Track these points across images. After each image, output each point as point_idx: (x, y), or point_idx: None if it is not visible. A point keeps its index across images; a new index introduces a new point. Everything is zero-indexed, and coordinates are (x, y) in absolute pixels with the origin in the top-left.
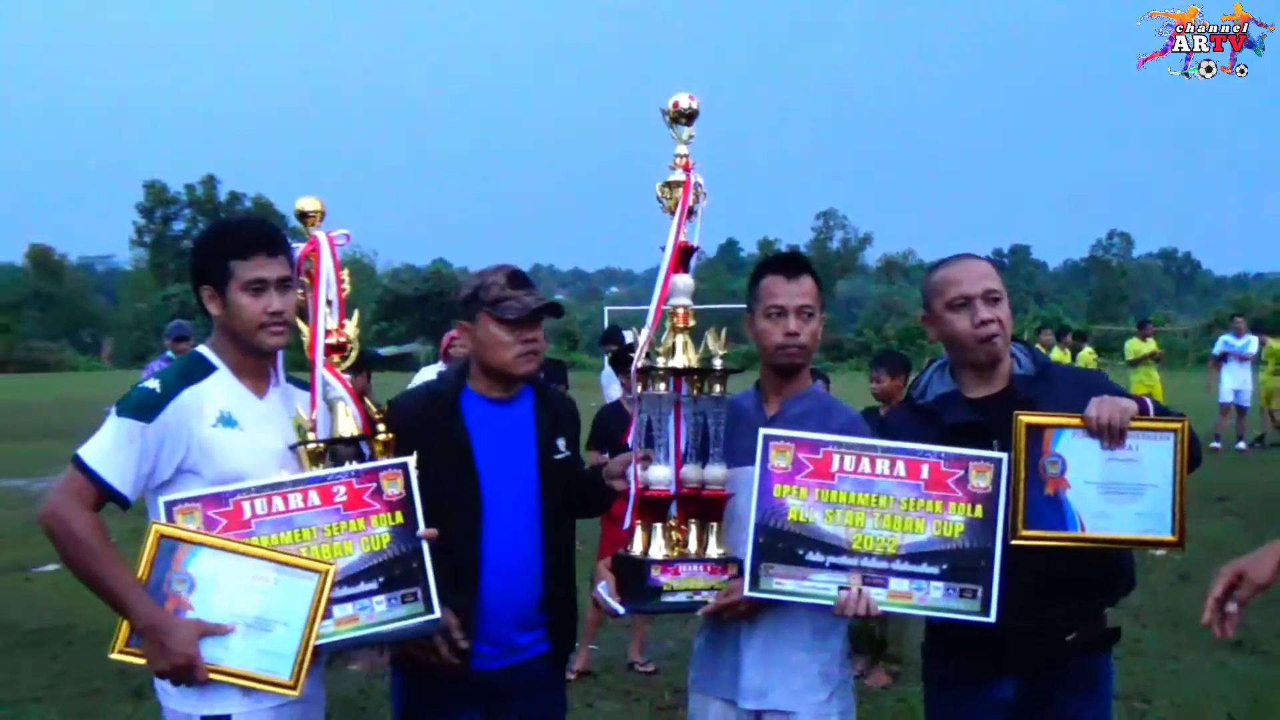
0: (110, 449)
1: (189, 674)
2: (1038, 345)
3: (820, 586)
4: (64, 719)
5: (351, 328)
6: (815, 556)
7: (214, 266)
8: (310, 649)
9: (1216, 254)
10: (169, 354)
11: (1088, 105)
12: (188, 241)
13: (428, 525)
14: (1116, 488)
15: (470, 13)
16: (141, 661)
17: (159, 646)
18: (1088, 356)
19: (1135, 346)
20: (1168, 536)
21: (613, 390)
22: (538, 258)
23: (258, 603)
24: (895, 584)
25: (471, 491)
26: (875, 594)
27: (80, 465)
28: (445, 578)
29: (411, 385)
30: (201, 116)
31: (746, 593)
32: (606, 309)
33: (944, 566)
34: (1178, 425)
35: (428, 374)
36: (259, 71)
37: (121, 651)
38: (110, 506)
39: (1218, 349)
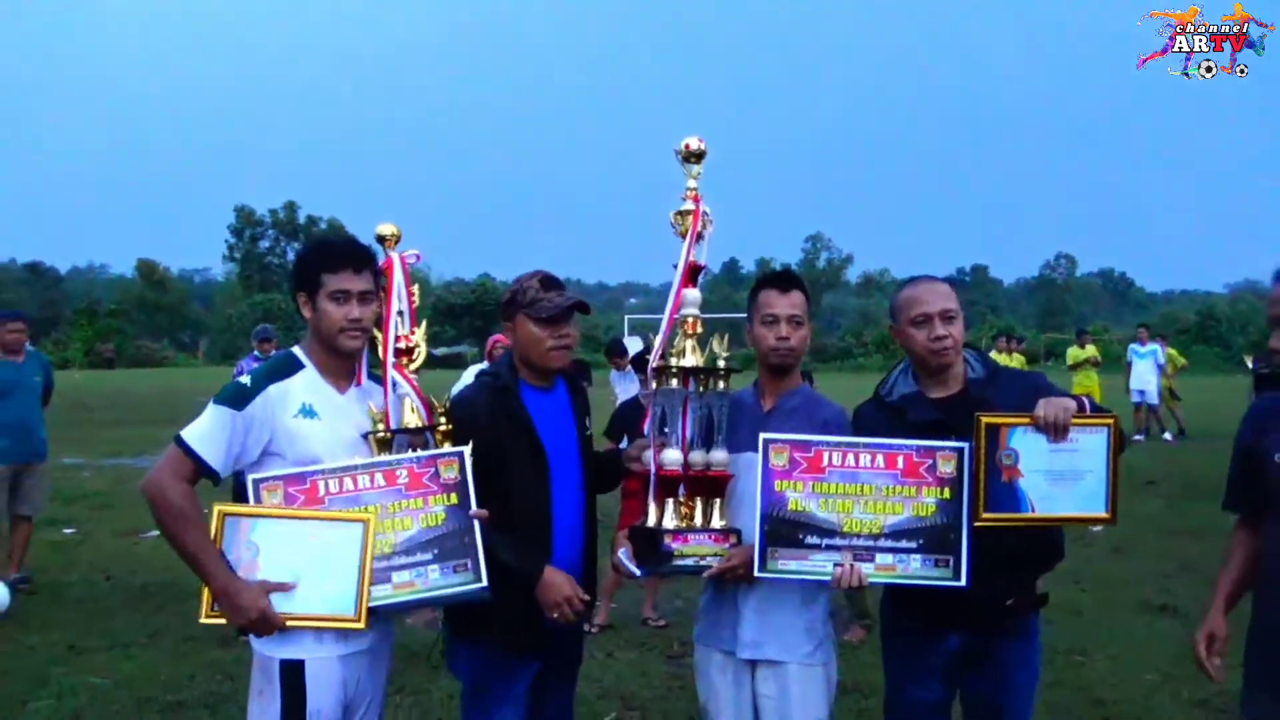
0: (206, 431)
1: (262, 627)
2: (994, 350)
3: (818, 565)
4: (166, 660)
5: (420, 335)
6: (813, 540)
7: (308, 276)
8: (367, 586)
9: (1148, 273)
10: (255, 353)
11: (1042, 143)
12: (271, 257)
13: (501, 498)
14: (1060, 474)
15: (509, 65)
16: (224, 621)
17: (233, 606)
18: (1019, 360)
19: (1074, 353)
20: (1104, 514)
21: (622, 390)
22: (567, 271)
23: (315, 556)
24: (881, 559)
25: (541, 468)
26: (865, 568)
27: (180, 444)
28: (522, 543)
29: (461, 381)
30: (284, 150)
31: (756, 573)
32: (627, 317)
33: (921, 541)
34: (1110, 420)
35: (474, 371)
36: (332, 110)
37: (207, 616)
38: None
39: (1128, 356)
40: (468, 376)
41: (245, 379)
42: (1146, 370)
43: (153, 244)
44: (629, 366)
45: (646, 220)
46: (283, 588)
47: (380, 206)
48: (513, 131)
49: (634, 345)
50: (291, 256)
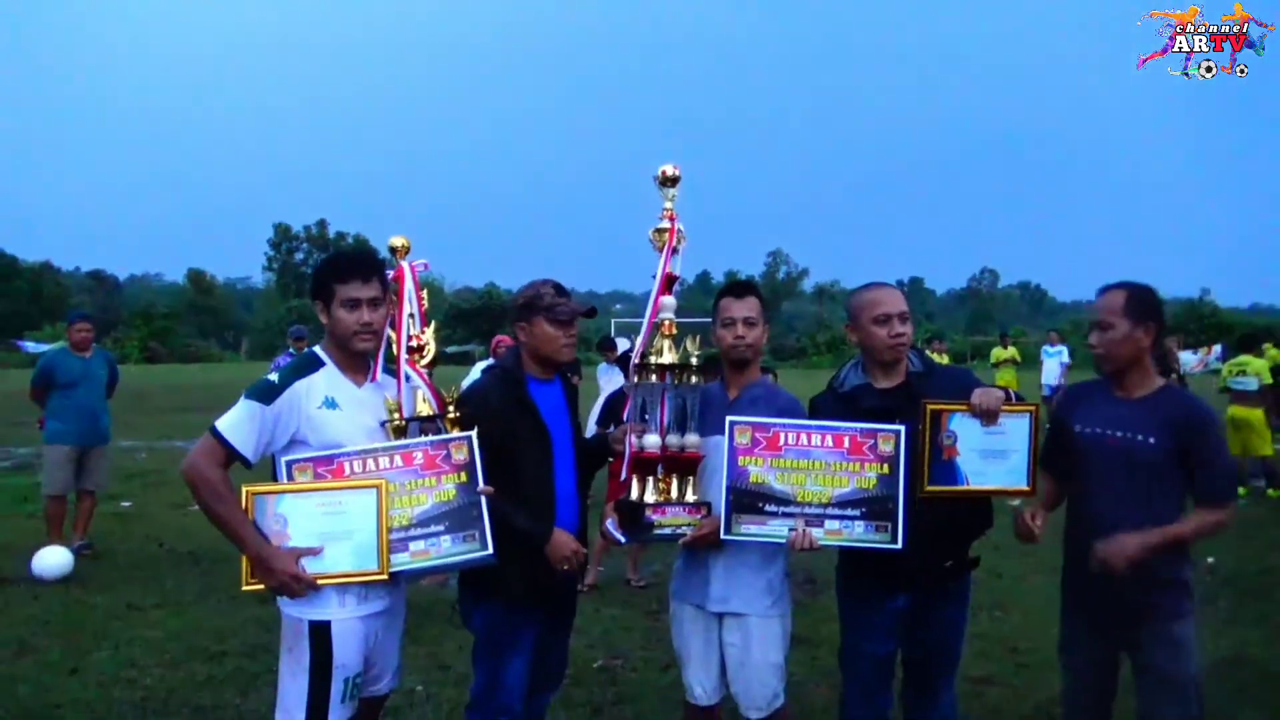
0: (237, 422)
1: (294, 588)
2: (928, 350)
3: (776, 529)
4: (212, 616)
5: (429, 334)
6: (771, 508)
7: (323, 286)
8: (386, 543)
9: (1060, 284)
10: (290, 350)
11: (971, 169)
12: (305, 268)
13: (510, 477)
14: (991, 453)
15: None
16: (262, 587)
17: (267, 570)
18: (947, 359)
19: (997, 353)
20: (1025, 487)
21: (605, 381)
22: (561, 279)
23: (337, 521)
24: (829, 524)
25: (545, 447)
26: (815, 532)
27: (214, 433)
28: (528, 511)
29: (470, 375)
30: (316, 172)
31: (723, 536)
32: (613, 320)
33: (864, 510)
34: (1032, 408)
35: (481, 367)
36: (358, 135)
37: (248, 583)
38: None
39: (1041, 356)
40: (475, 372)
41: (274, 376)
42: (1055, 367)
43: (202, 255)
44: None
45: (631, 235)
46: (311, 552)
47: (399, 222)
48: (514, 151)
49: (622, 345)
50: None
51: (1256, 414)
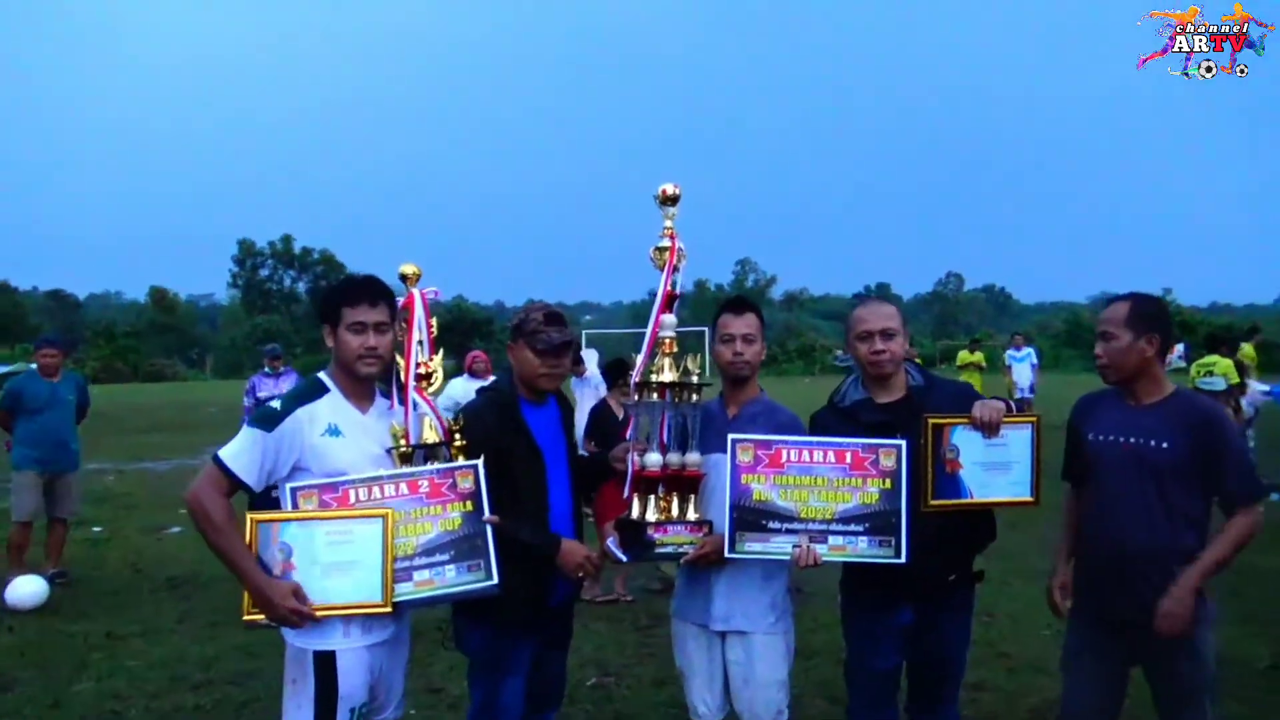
0: (239, 450)
1: (294, 622)
2: None
3: (780, 546)
4: (195, 643)
5: (437, 361)
6: (774, 525)
7: (331, 310)
8: (391, 575)
9: (1024, 287)
10: (265, 369)
11: (935, 176)
12: (270, 284)
13: (508, 497)
14: (993, 465)
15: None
16: (263, 619)
17: (267, 604)
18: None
19: (963, 356)
20: (1029, 498)
21: (579, 393)
22: (531, 292)
23: (342, 550)
24: (833, 540)
25: (539, 468)
26: (819, 548)
27: (217, 462)
28: (532, 526)
29: (446, 392)
30: (281, 188)
31: (726, 554)
32: (584, 332)
33: (867, 525)
34: (1034, 419)
35: (455, 383)
36: (322, 152)
37: (248, 614)
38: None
39: (1006, 359)
40: (453, 388)
41: (276, 403)
42: (1027, 371)
43: (163, 272)
44: (586, 373)
45: (600, 248)
46: (307, 599)
47: (365, 238)
48: (483, 164)
49: (590, 356)
50: (288, 283)
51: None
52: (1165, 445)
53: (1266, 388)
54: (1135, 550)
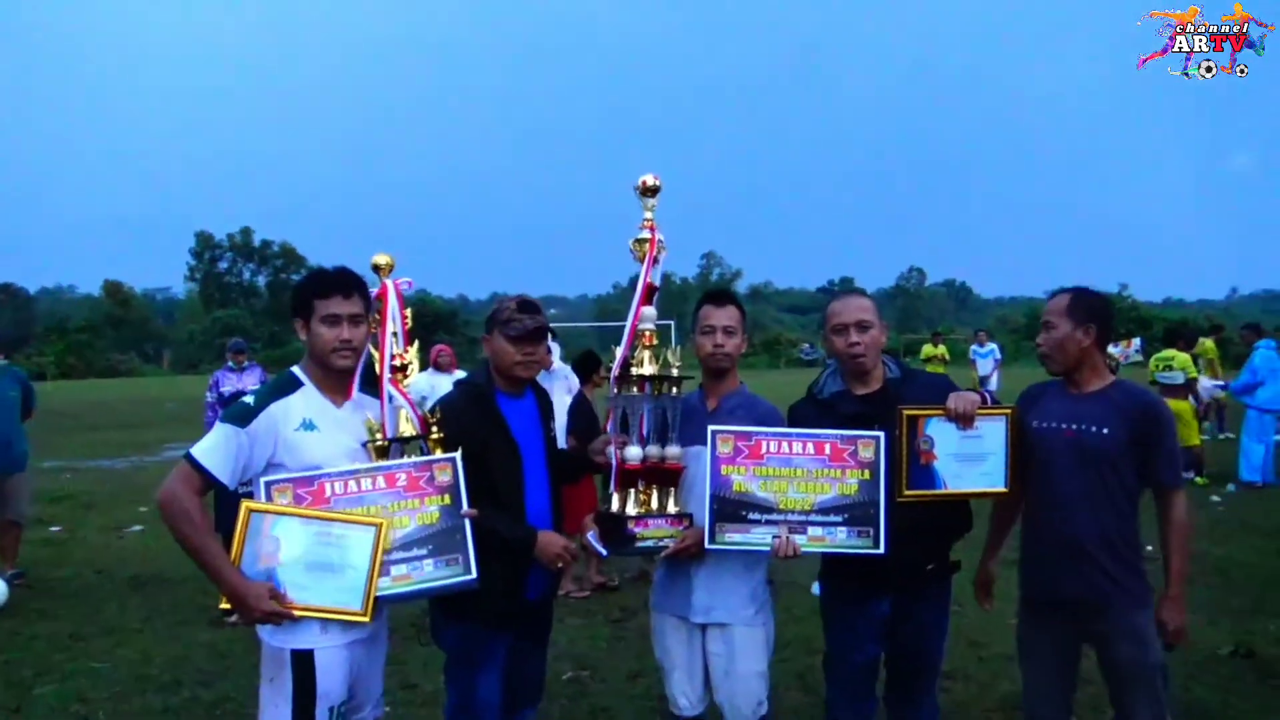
0: (212, 447)
1: (270, 620)
2: None
3: (759, 537)
4: (161, 644)
5: (413, 353)
6: (754, 516)
7: (304, 302)
8: (375, 585)
9: (984, 282)
10: (230, 364)
11: (896, 170)
12: (229, 277)
13: (482, 487)
14: (968, 456)
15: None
16: (236, 617)
17: (242, 604)
18: None
19: (927, 350)
20: (1001, 489)
21: (550, 387)
22: (495, 286)
23: (330, 552)
24: (812, 531)
25: (514, 461)
26: (799, 539)
27: (190, 459)
28: (508, 518)
29: (414, 383)
30: (239, 179)
31: (707, 545)
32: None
33: (846, 516)
34: (1008, 411)
35: (420, 377)
36: (283, 143)
37: (225, 603)
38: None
39: (971, 356)
40: (416, 383)
41: (250, 399)
42: (987, 366)
43: (118, 266)
44: (554, 366)
45: (565, 240)
46: (285, 597)
47: (327, 229)
48: (448, 155)
49: (555, 349)
50: (247, 276)
51: (1184, 405)
52: (1105, 431)
53: (1220, 384)
54: (1081, 533)
